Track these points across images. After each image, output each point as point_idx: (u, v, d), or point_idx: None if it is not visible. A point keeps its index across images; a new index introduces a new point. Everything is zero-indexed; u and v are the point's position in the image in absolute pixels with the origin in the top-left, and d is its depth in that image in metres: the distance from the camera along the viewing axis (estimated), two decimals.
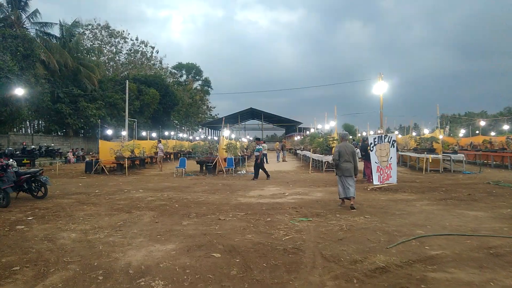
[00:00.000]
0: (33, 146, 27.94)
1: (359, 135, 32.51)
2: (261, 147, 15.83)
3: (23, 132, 35.73)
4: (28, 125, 37.76)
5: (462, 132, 33.27)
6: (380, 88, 11.84)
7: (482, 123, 34.44)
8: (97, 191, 11.58)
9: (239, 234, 5.85)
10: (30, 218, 7.38)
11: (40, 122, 38.30)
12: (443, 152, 18.23)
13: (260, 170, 15.31)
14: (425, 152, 17.73)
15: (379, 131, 13.88)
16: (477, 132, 35.67)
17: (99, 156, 19.48)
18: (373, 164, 11.44)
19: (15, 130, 32.04)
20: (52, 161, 26.33)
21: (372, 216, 7.20)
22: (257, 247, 5.12)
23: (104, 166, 18.95)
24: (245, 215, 7.44)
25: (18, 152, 23.55)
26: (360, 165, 15.20)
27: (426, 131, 24.49)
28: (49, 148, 31.60)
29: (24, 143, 28.68)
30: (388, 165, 11.37)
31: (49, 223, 6.87)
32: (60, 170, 21.13)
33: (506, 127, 34.72)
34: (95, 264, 4.55)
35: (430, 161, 17.07)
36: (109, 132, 30.90)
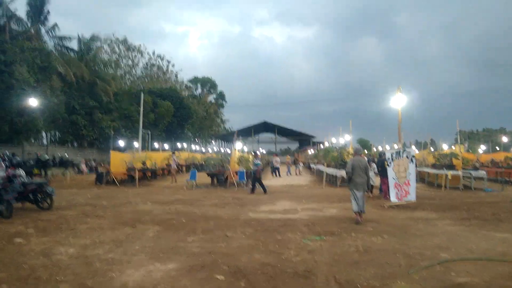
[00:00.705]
0: (47, 157, 28.11)
1: (375, 150, 31.79)
2: (259, 162, 15.38)
3: (40, 143, 36.17)
4: (44, 135, 38.23)
5: (482, 148, 32.23)
6: (398, 101, 11.40)
7: (505, 139, 33.28)
8: (104, 203, 11.32)
9: (246, 254, 5.44)
10: (30, 230, 7.12)
11: (56, 133, 38.72)
12: (463, 169, 17.51)
13: (257, 183, 14.99)
14: (444, 168, 17.02)
15: (396, 146, 13.33)
16: (497, 148, 34.57)
17: (110, 167, 19.36)
18: (391, 180, 10.90)
19: (32, 140, 32.43)
20: (65, 172, 26.39)
21: (390, 236, 6.70)
22: (265, 269, 4.70)
23: (115, 177, 18.79)
24: (254, 232, 7.02)
25: (31, 162, 23.65)
26: (377, 181, 14.69)
27: (445, 147, 23.69)
28: (63, 159, 31.81)
29: (39, 154, 28.90)
30: (406, 182, 10.81)
31: (49, 236, 6.59)
32: (72, 181, 21.08)
33: None
34: (88, 284, 4.20)
35: (450, 177, 16.35)
36: (122, 143, 30.92)
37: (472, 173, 17.11)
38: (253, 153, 18.33)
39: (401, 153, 10.97)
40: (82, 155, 35.76)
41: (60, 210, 9.76)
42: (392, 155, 11.00)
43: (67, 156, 33.05)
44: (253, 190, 14.71)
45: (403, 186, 10.79)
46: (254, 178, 15.07)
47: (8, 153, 16.43)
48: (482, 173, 17.31)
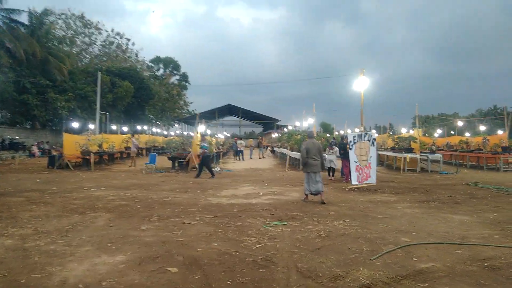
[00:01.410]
0: None
1: (337, 133, 32.20)
2: (205, 144, 14.84)
3: None
4: None
5: (438, 132, 33.48)
6: (361, 84, 11.34)
7: (460, 123, 34.72)
8: (54, 188, 10.57)
9: (203, 242, 5.11)
10: None
11: (6, 114, 36.15)
12: (421, 152, 18.02)
13: (205, 167, 14.60)
14: (403, 152, 17.43)
15: (357, 129, 13.37)
16: (452, 132, 36.08)
17: (63, 150, 18.27)
18: (352, 164, 10.91)
19: None
20: (14, 155, 24.75)
21: (352, 220, 6.61)
22: (223, 259, 4.40)
23: (68, 161, 17.77)
24: (214, 218, 6.71)
25: None
26: (338, 164, 14.75)
27: (403, 131, 24.32)
28: (13, 141, 29.88)
29: None
30: (367, 165, 10.87)
31: None
32: (22, 165, 19.75)
33: (482, 128, 35.22)
34: (23, 281, 3.72)
35: (408, 160, 16.78)
36: (76, 125, 29.34)
37: (429, 156, 17.65)
38: (201, 135, 17.70)
39: (362, 136, 10.97)
40: (35, 138, 33.75)
41: (3, 196, 8.97)
42: (354, 138, 10.97)
43: (17, 138, 31.08)
44: (198, 175, 14.26)
45: (364, 169, 10.84)
46: (201, 162, 14.67)
47: None
48: (438, 156, 17.89)
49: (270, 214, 7.07)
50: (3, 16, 31.06)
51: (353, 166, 10.86)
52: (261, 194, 9.87)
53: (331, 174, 13.87)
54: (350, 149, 10.92)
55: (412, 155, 16.96)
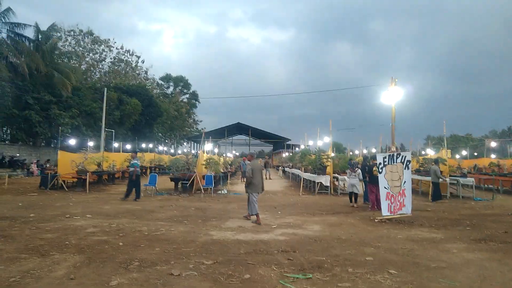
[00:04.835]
0: None
1: (351, 153, 30.38)
2: (136, 162, 13.19)
3: None
4: None
5: (463, 153, 31.40)
6: (392, 96, 9.73)
7: (493, 144, 32.31)
8: (32, 215, 9.01)
9: None
10: None
11: (7, 130, 35.19)
12: (450, 175, 16.17)
13: (134, 188, 13.00)
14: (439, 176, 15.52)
15: (392, 148, 11.61)
16: (475, 154, 33.93)
17: (58, 169, 16.86)
18: (382, 190, 9.15)
19: None
20: (11, 173, 23.47)
21: (399, 271, 4.88)
22: None
23: (63, 181, 16.32)
24: (213, 265, 5.04)
25: None
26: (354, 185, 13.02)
27: (430, 152, 22.45)
28: (14, 159, 28.70)
29: None
30: (401, 191, 9.12)
31: None
32: (16, 184, 18.41)
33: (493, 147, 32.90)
34: None
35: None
36: (73, 142, 28.05)
37: (460, 180, 15.78)
38: (132, 152, 15.99)
39: (395, 158, 9.27)
40: (37, 155, 32.61)
41: None
42: (384, 160, 9.27)
43: (17, 155, 29.93)
44: (127, 196, 12.75)
45: (397, 196, 9.09)
46: (130, 181, 13.11)
47: None
48: (470, 180, 16.00)
49: (288, 259, 5.37)
50: (7, 30, 30.44)
51: (383, 193, 9.11)
52: (274, 226, 8.17)
53: (353, 200, 12.10)
54: (380, 172, 9.20)
55: (442, 179, 15.07)
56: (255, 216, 8.71)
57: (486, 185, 19.41)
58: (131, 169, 13.06)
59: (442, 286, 4.34)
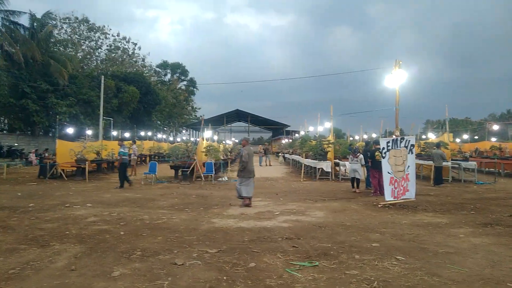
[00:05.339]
0: None
1: (351, 139, 30.27)
2: (124, 150, 13.12)
3: None
4: None
5: (464, 137, 31.25)
6: (396, 79, 9.53)
7: (495, 127, 32.09)
8: (31, 204, 8.91)
9: None
10: None
11: (5, 120, 34.90)
12: (452, 159, 16.07)
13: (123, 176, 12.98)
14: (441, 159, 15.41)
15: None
16: (476, 137, 33.82)
17: (56, 158, 16.71)
18: (385, 175, 9.03)
19: None
20: (10, 163, 23.33)
21: (406, 257, 4.79)
22: None
23: (62, 170, 16.18)
24: (217, 253, 4.94)
25: None
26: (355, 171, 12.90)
27: (432, 136, 22.32)
28: (12, 148, 28.53)
29: None
30: (404, 176, 9.02)
31: None
32: (14, 174, 18.29)
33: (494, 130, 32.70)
34: None
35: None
36: (71, 130, 27.84)
37: (461, 164, 15.70)
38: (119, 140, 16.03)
39: (398, 142, 9.13)
40: (36, 145, 32.39)
41: None
42: (387, 144, 9.13)
43: (16, 145, 29.74)
44: (121, 185, 12.71)
45: (400, 181, 8.98)
46: (119, 170, 13.22)
47: None
48: (472, 164, 15.93)
49: (293, 247, 5.27)
50: (2, 17, 29.88)
51: (386, 178, 8.99)
52: (277, 213, 8.08)
53: (355, 185, 12.00)
54: (383, 157, 9.08)
55: (444, 163, 14.98)
56: (248, 199, 8.93)
57: (487, 169, 19.34)
58: (118, 157, 13.18)
59: (451, 272, 4.25)
